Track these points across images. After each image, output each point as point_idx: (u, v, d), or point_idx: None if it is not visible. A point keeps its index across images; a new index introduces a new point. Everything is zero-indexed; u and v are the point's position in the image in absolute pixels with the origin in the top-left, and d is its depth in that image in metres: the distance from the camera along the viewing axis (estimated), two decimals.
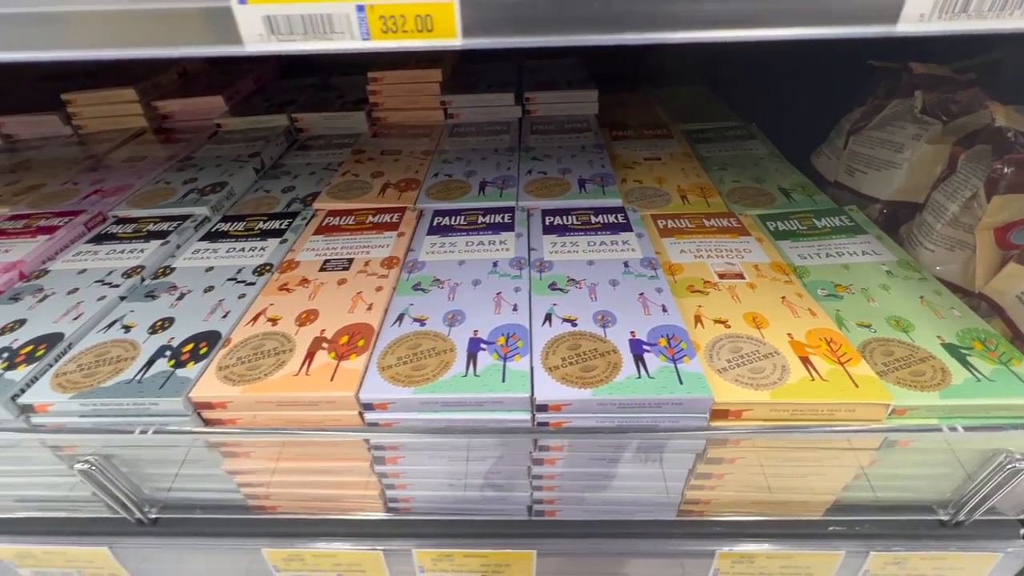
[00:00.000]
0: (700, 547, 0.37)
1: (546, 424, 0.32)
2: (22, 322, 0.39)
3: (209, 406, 0.33)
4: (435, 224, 0.50)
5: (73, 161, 0.67)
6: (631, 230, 0.47)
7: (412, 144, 0.68)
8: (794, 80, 0.79)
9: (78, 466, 0.35)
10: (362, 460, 0.36)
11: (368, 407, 0.32)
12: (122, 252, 0.47)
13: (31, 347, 0.36)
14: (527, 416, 0.32)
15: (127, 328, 0.38)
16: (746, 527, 0.38)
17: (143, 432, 0.32)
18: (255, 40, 0.22)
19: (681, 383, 0.32)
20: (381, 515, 0.39)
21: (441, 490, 0.38)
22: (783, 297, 0.39)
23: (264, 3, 0.21)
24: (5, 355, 0.36)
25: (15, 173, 0.64)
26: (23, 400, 0.33)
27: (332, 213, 0.52)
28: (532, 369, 0.33)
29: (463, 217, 0.50)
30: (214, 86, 0.80)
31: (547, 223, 0.49)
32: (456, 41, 0.21)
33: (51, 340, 0.37)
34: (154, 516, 0.39)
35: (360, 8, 0.21)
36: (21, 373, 0.34)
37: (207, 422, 0.34)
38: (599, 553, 0.38)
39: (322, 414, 0.33)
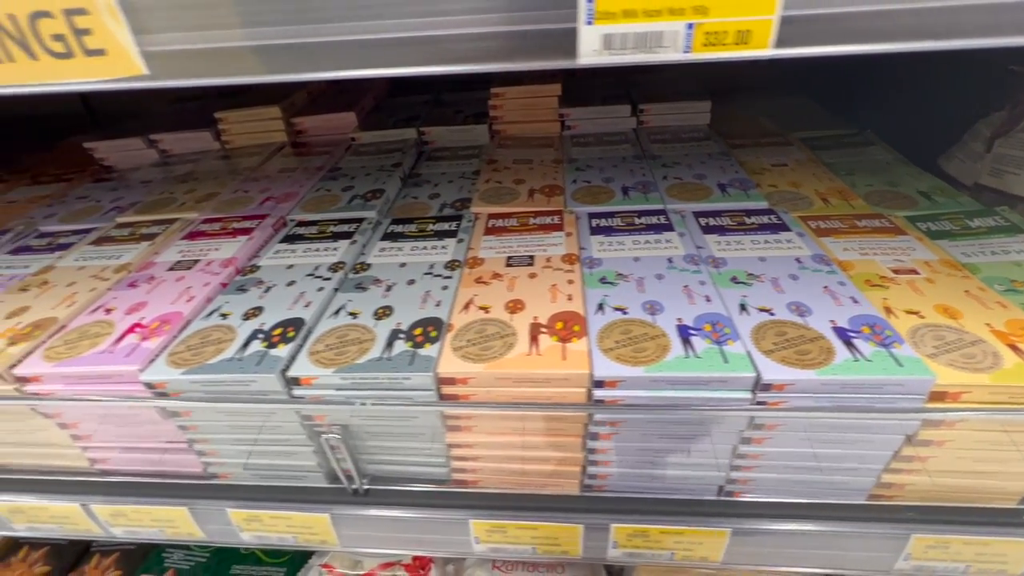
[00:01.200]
0: (893, 531, 0.39)
1: (763, 403, 0.35)
2: (260, 309, 0.44)
3: (452, 382, 0.37)
4: (595, 225, 0.53)
5: (232, 172, 0.73)
6: (789, 230, 0.50)
7: (540, 153, 0.72)
8: (892, 87, 0.80)
9: (325, 436, 0.39)
10: (575, 436, 0.39)
11: (599, 384, 0.36)
12: (317, 250, 0.52)
13: (281, 329, 0.41)
14: (747, 395, 0.35)
15: (354, 315, 0.42)
16: (939, 513, 0.39)
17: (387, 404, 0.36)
18: (589, 54, 0.25)
19: (900, 365, 0.34)
20: (576, 492, 0.42)
21: (641, 467, 0.40)
22: (966, 291, 0.41)
23: (605, 23, 0.25)
24: (260, 336, 0.40)
25: (187, 183, 0.71)
26: (291, 373, 0.37)
27: (493, 216, 0.56)
28: (749, 352, 0.36)
29: (619, 219, 0.54)
30: (340, 104, 0.86)
31: (703, 224, 0.52)
32: (766, 52, 0.25)
33: (296, 324, 0.41)
34: (366, 487, 0.43)
35: (689, 26, 0.24)
36: (282, 351, 0.39)
37: (442, 397, 0.38)
38: (794, 534, 0.40)
39: (553, 391, 0.36)
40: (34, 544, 0.73)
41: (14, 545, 0.73)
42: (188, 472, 0.45)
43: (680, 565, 0.45)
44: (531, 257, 0.48)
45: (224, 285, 0.48)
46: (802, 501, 0.40)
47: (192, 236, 0.56)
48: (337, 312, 0.43)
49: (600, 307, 0.41)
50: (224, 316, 0.43)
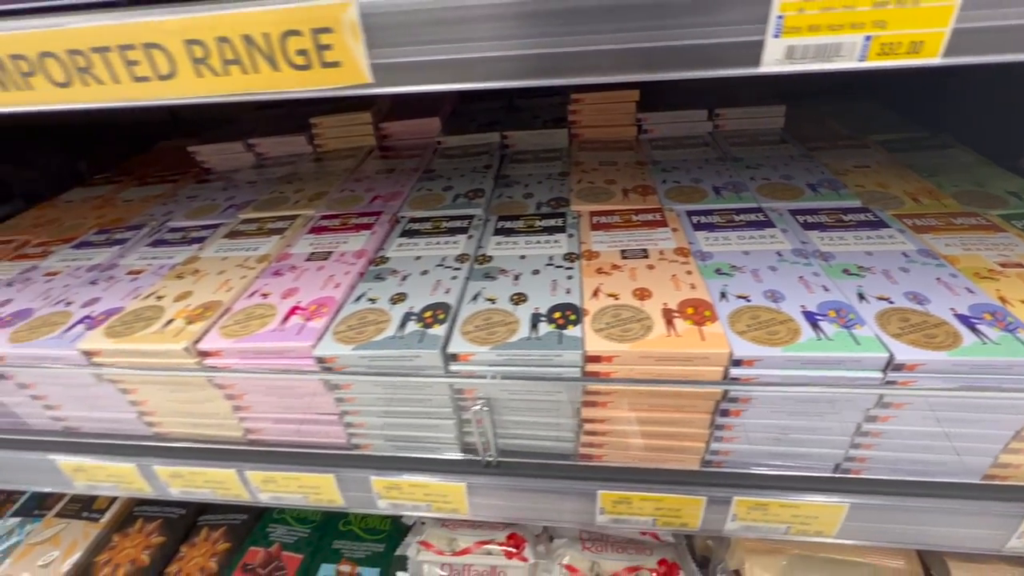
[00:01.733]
0: (1009, 510, 0.41)
1: (893, 383, 0.38)
2: (404, 295, 0.48)
3: (598, 359, 0.40)
4: (696, 222, 0.56)
5: (332, 173, 0.79)
6: (888, 226, 0.52)
7: (622, 156, 0.76)
8: (965, 91, 0.81)
9: (475, 408, 0.43)
10: (704, 413, 0.42)
11: (737, 363, 0.39)
12: (438, 244, 0.56)
13: (431, 312, 0.45)
14: (879, 375, 0.38)
15: (491, 300, 0.46)
16: None
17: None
18: (771, 63, 0.29)
19: None
20: (695, 467, 0.45)
21: (763, 444, 0.43)
22: None
23: (791, 37, 0.28)
24: (414, 317, 0.45)
25: (291, 183, 0.77)
26: (450, 350, 0.41)
27: (595, 213, 0.60)
28: (877, 335, 0.38)
29: (717, 216, 0.57)
30: (420, 110, 0.91)
31: (801, 220, 0.55)
32: (935, 60, 0.28)
33: (443, 308, 0.45)
34: (498, 459, 0.47)
35: (867, 38, 0.28)
36: (438, 331, 0.43)
37: (584, 374, 0.41)
38: (909, 510, 0.42)
39: (692, 369, 0.40)
40: (148, 517, 0.79)
41: (129, 517, 0.79)
42: (332, 443, 0.50)
43: (792, 540, 0.47)
44: (644, 250, 0.52)
45: (362, 274, 0.52)
46: (918, 480, 0.43)
47: (317, 231, 0.61)
48: (475, 298, 0.47)
49: (723, 295, 0.44)
50: (372, 300, 0.48)
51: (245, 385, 0.46)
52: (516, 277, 0.49)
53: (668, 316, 0.42)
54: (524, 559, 0.67)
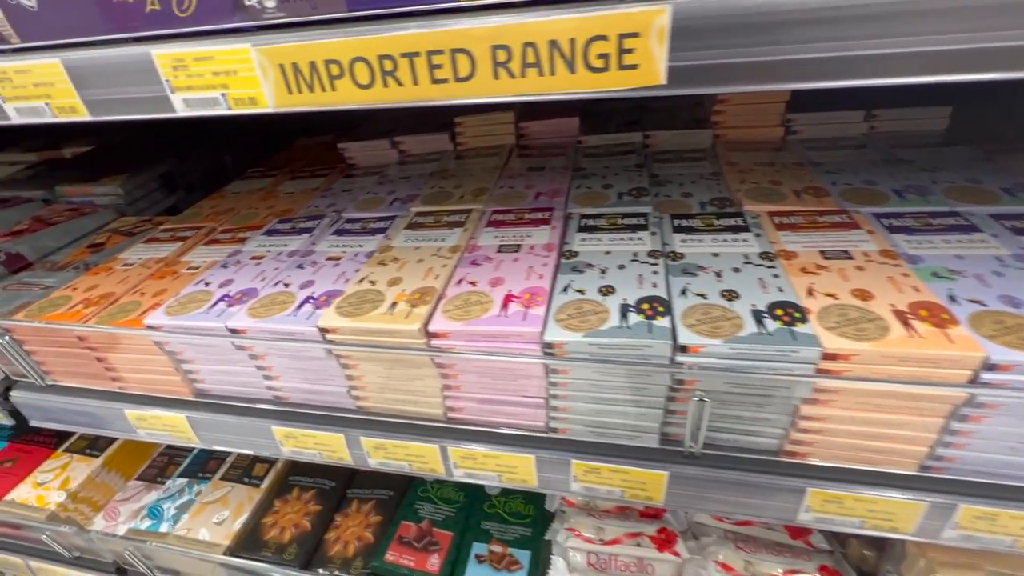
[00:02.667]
0: None
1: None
2: (611, 287, 0.50)
3: (835, 357, 0.41)
4: (888, 224, 0.55)
5: (483, 170, 0.82)
6: None
7: (775, 156, 0.75)
8: None
9: (695, 399, 0.44)
10: (938, 417, 0.42)
11: (991, 368, 0.38)
12: (622, 239, 0.58)
13: (648, 304, 0.47)
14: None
15: (702, 295, 0.48)
16: None
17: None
18: None
19: None
20: (911, 472, 0.45)
21: (999, 452, 0.42)
22: None
23: None
24: (632, 309, 0.47)
25: (447, 179, 0.81)
26: (680, 341, 0.43)
27: (774, 213, 0.60)
28: None
29: (911, 219, 0.56)
30: (554, 110, 0.93)
31: (1008, 225, 0.53)
32: None
33: (660, 301, 0.47)
34: (701, 451, 0.48)
35: None
36: (663, 322, 0.45)
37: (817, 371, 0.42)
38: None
39: (935, 371, 0.39)
40: (302, 487, 0.85)
41: (286, 485, 0.86)
42: (528, 425, 0.53)
43: (1018, 552, 0.46)
44: (846, 252, 0.51)
45: (557, 266, 0.55)
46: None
47: (495, 224, 0.64)
48: (683, 292, 0.48)
49: (952, 299, 0.44)
50: (581, 292, 0.50)
51: (463, 366, 0.50)
52: (718, 274, 0.50)
53: (902, 318, 0.42)
54: (677, 554, 0.68)
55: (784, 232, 0.56)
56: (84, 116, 0.45)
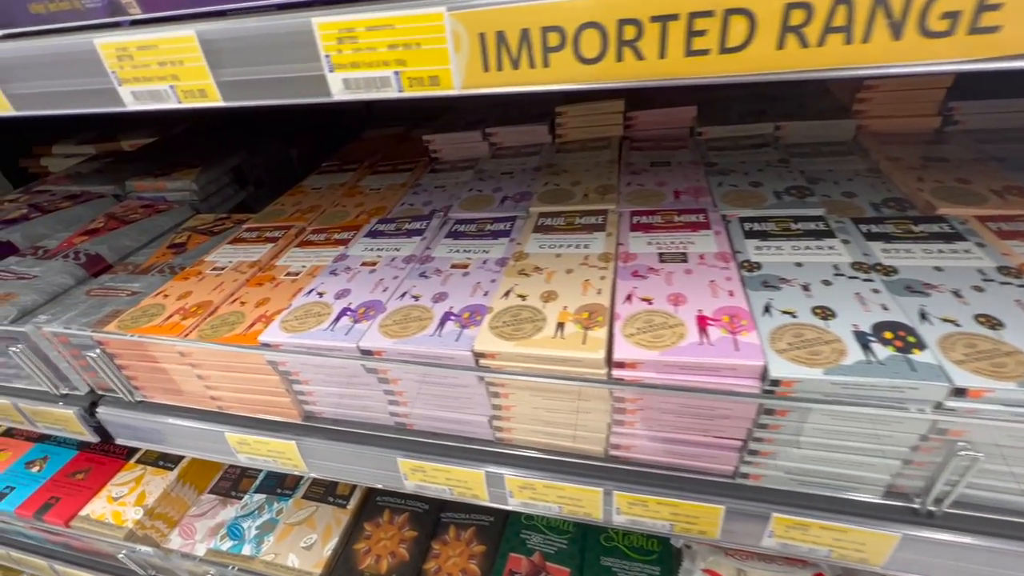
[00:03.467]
0: None
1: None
2: (831, 312, 0.41)
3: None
4: None
5: (595, 164, 0.74)
6: None
7: (945, 151, 0.65)
8: None
9: (961, 453, 0.36)
10: None
11: None
12: (808, 248, 0.49)
13: (891, 332, 0.38)
14: None
15: (953, 322, 0.39)
16: None
17: None
18: None
19: None
20: None
21: None
22: None
23: None
24: (872, 338, 0.38)
25: (558, 175, 0.73)
26: (958, 383, 0.34)
27: (986, 218, 0.51)
28: None
29: None
30: (662, 100, 0.84)
31: None
32: None
33: (903, 328, 0.39)
34: (938, 511, 0.40)
35: None
36: (922, 358, 0.36)
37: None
38: None
39: None
40: (393, 509, 0.79)
41: (375, 506, 0.79)
42: (710, 468, 0.45)
43: None
44: None
45: (742, 280, 0.46)
46: None
47: (642, 228, 0.56)
48: (924, 317, 0.40)
49: None
50: (790, 314, 0.42)
51: (646, 401, 0.42)
52: (956, 294, 0.42)
53: None
54: None
55: (1012, 241, 0.47)
56: (215, 101, 0.38)
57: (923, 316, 0.40)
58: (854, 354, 0.37)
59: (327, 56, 0.34)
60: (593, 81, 0.31)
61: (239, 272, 0.63)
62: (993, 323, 0.38)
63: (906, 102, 0.72)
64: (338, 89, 0.35)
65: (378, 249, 0.61)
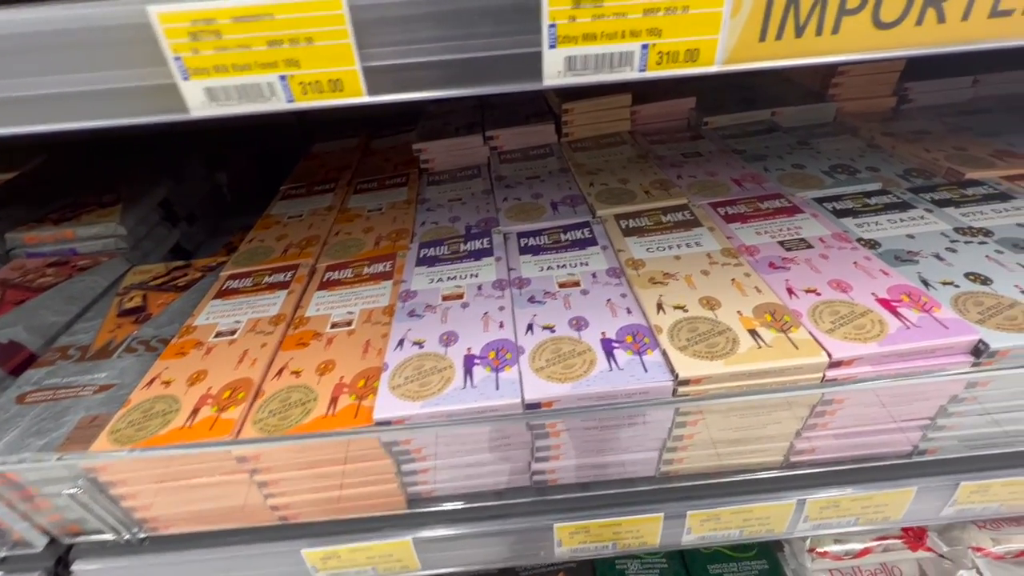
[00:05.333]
0: None
1: None
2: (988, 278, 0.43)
3: None
4: None
5: (627, 160, 0.70)
6: None
7: (896, 126, 0.74)
8: None
9: None
10: None
11: None
12: (915, 221, 0.51)
13: None
14: None
15: None
16: None
17: None
18: None
19: None
20: None
21: None
22: None
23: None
24: None
25: (596, 174, 0.68)
26: None
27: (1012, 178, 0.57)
28: None
29: None
30: (659, 92, 0.84)
31: None
32: None
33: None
34: None
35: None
36: None
37: None
38: None
39: None
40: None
41: None
42: (894, 452, 0.44)
43: None
44: None
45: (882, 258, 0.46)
46: None
47: (739, 219, 0.54)
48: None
49: None
50: (950, 284, 0.42)
51: (854, 397, 0.39)
52: None
53: None
54: None
55: None
56: (357, 96, 0.27)
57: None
58: None
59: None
60: (886, 49, 0.27)
61: (263, 334, 0.48)
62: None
63: (869, 84, 0.81)
64: (556, 73, 0.27)
65: (448, 278, 0.51)
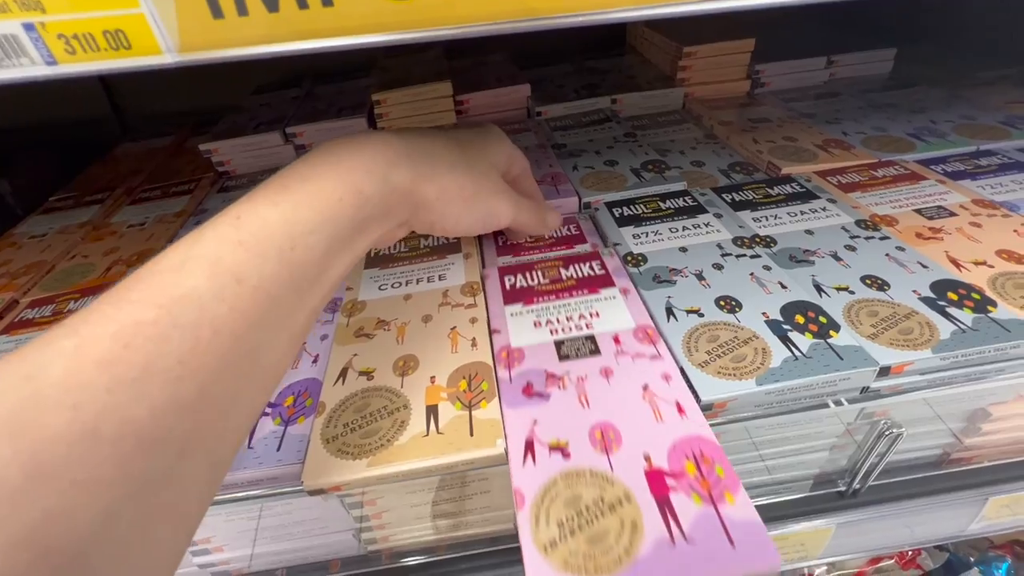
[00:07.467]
0: None
1: None
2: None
3: None
4: (948, 172, 0.50)
5: None
6: None
7: (764, 111, 0.68)
8: None
9: None
10: None
11: None
12: (680, 231, 0.44)
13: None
14: None
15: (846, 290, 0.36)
16: None
17: None
18: None
19: None
20: None
21: None
22: None
23: None
24: None
25: None
26: None
27: (825, 173, 0.51)
28: None
29: (960, 162, 0.51)
30: (480, 80, 0.76)
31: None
32: None
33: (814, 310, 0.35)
34: None
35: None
36: None
37: None
38: None
39: None
40: None
41: None
42: None
43: None
44: (941, 207, 0.44)
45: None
46: None
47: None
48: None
49: None
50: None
51: None
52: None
53: None
54: None
55: (854, 193, 0.48)
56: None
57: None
58: None
59: None
60: (414, 28, 0.19)
61: None
62: (880, 284, 0.37)
63: (719, 67, 0.74)
64: None
65: None
